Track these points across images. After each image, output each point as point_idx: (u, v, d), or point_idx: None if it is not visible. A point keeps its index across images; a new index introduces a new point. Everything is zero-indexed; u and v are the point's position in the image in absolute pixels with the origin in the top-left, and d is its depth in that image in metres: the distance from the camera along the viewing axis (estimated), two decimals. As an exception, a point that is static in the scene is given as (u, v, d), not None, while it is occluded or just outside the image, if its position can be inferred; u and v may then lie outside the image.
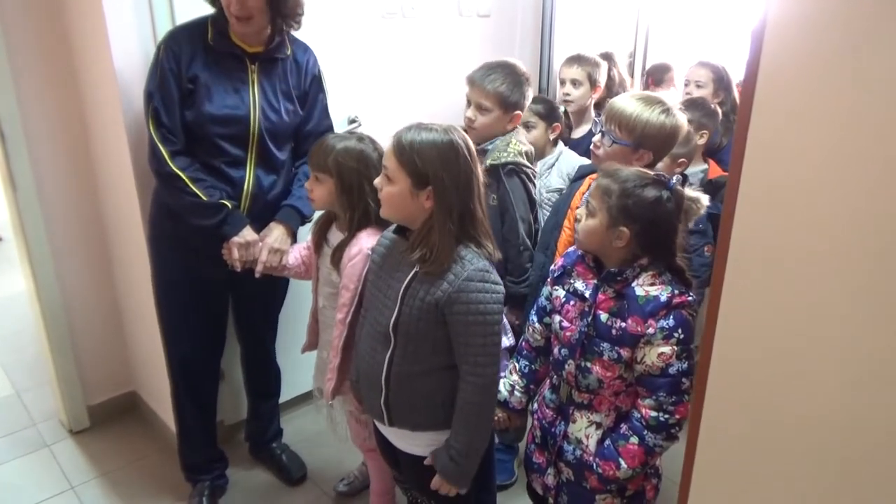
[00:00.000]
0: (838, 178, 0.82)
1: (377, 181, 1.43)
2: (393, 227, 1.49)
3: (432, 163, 1.33)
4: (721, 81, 2.60)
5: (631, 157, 1.68)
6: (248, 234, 1.79)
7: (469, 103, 1.97)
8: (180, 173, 1.71)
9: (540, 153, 2.24)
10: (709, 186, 2.16)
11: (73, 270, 2.33)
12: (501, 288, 1.40)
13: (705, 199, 1.45)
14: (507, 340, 1.68)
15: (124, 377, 2.55)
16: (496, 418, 1.61)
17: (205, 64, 1.72)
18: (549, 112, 2.23)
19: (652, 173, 1.43)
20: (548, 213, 2.07)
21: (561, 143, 2.29)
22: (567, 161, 2.25)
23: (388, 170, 1.38)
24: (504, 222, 1.94)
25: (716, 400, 1.03)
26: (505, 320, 1.71)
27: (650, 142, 1.66)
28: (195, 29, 1.75)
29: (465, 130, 1.95)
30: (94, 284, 2.39)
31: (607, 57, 2.79)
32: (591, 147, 1.78)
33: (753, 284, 0.94)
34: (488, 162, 1.89)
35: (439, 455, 1.45)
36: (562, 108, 2.41)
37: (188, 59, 1.71)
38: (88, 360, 2.44)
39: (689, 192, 1.44)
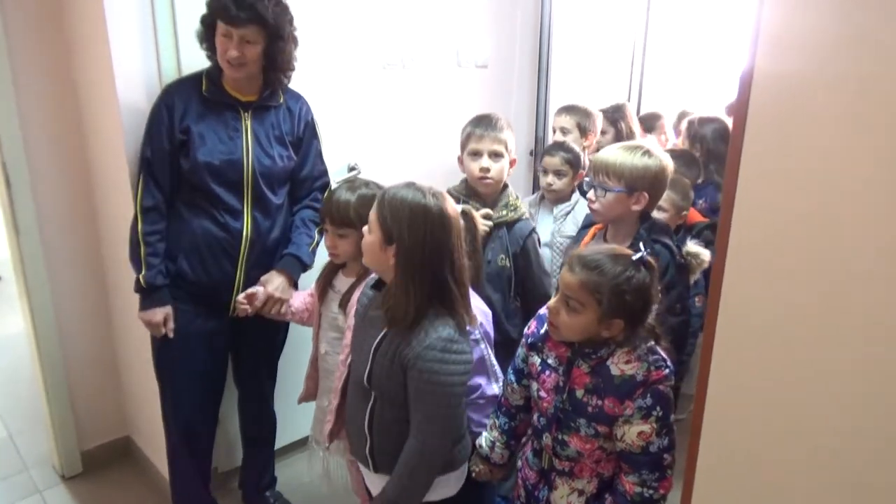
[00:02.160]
0: (836, 207, 0.84)
1: (364, 228, 1.46)
2: (372, 282, 1.52)
3: (399, 222, 1.35)
4: (693, 135, 2.73)
5: (628, 201, 1.72)
6: (153, 315, 1.81)
7: (477, 156, 1.98)
8: (141, 240, 1.77)
9: (565, 199, 2.33)
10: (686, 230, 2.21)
11: (71, 315, 2.33)
12: (467, 357, 1.39)
13: (706, 255, 1.45)
14: (496, 388, 1.68)
15: (119, 422, 2.53)
16: (477, 471, 1.60)
17: (198, 115, 1.78)
18: (576, 161, 2.31)
19: (622, 249, 1.39)
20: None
21: (578, 192, 2.35)
22: (583, 209, 2.28)
23: (370, 220, 1.41)
24: (529, 279, 2.02)
25: (715, 414, 1.04)
26: (497, 367, 1.71)
27: (641, 183, 1.71)
28: (189, 82, 1.82)
29: (479, 181, 1.96)
30: (92, 329, 2.39)
31: (618, 109, 2.90)
32: (588, 204, 1.81)
33: (752, 294, 0.96)
34: (495, 218, 1.96)
35: (378, 496, 1.45)
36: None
37: (181, 112, 1.77)
38: (83, 404, 2.43)
39: (691, 246, 1.44)
